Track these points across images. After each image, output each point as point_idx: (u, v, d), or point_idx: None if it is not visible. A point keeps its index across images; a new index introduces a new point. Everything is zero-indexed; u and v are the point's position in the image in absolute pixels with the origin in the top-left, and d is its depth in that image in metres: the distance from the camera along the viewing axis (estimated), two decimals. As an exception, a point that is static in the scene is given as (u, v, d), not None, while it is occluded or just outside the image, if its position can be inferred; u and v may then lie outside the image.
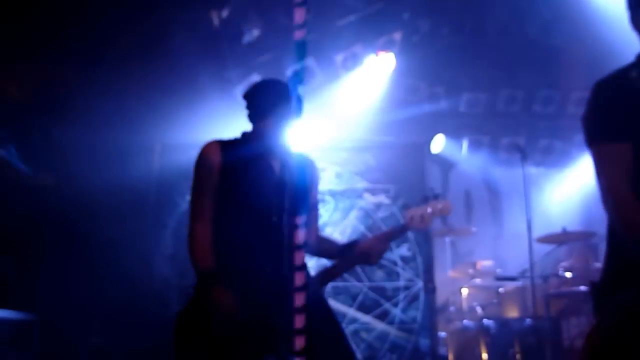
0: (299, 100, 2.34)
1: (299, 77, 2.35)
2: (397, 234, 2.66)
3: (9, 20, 4.28)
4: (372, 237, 2.58)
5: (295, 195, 1.99)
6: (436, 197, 2.62)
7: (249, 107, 2.55)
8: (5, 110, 4.54)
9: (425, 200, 2.60)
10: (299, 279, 2.03)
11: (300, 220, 2.30)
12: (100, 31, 4.65)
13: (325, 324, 2.33)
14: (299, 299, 2.08)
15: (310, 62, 5.16)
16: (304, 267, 2.27)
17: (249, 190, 2.39)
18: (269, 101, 2.49)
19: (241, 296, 2.24)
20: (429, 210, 2.58)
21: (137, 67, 4.92)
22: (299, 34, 1.69)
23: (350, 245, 2.57)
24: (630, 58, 1.78)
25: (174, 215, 5.00)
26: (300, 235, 2.24)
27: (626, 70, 1.77)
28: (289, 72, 5.21)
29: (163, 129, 5.11)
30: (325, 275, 2.52)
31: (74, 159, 4.94)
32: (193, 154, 5.27)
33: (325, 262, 3.02)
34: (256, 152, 2.48)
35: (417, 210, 2.58)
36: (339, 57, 5.37)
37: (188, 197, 5.11)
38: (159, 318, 4.74)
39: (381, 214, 5.00)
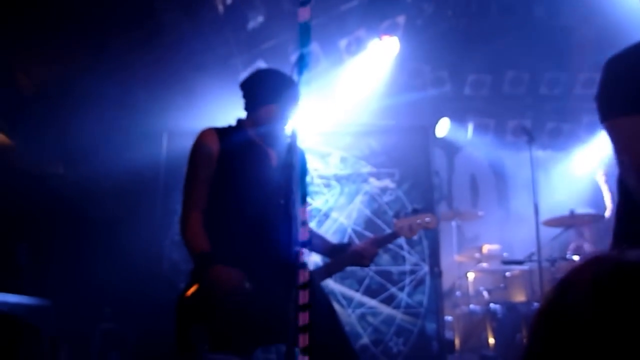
0: (300, 86, 2.37)
1: (304, 62, 2.38)
2: (386, 240, 2.78)
3: (17, 12, 4.32)
4: (363, 242, 2.67)
5: (293, 180, 2.02)
6: (426, 210, 2.84)
7: (244, 95, 2.57)
8: (16, 100, 4.59)
9: (415, 212, 2.78)
10: (301, 259, 2.06)
11: (300, 205, 2.33)
12: (107, 21, 4.68)
13: (323, 316, 2.34)
14: (303, 279, 2.11)
15: (314, 47, 5.15)
16: (308, 244, 2.31)
17: (247, 178, 2.41)
18: (264, 90, 2.51)
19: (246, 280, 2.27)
20: (418, 221, 2.75)
21: (144, 56, 4.96)
22: (303, 16, 1.71)
23: (342, 247, 2.65)
24: (639, 37, 1.76)
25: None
26: (304, 214, 2.27)
27: (638, 46, 1.74)
28: (293, 58, 5.22)
29: (169, 116, 5.15)
30: (320, 273, 2.58)
31: (83, 148, 5.00)
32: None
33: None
34: (252, 139, 2.50)
35: (406, 220, 2.75)
36: (342, 42, 5.36)
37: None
38: (168, 302, 4.81)
39: (386, 198, 5.01)
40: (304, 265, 2.22)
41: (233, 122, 2.59)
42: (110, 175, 5.02)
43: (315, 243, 2.66)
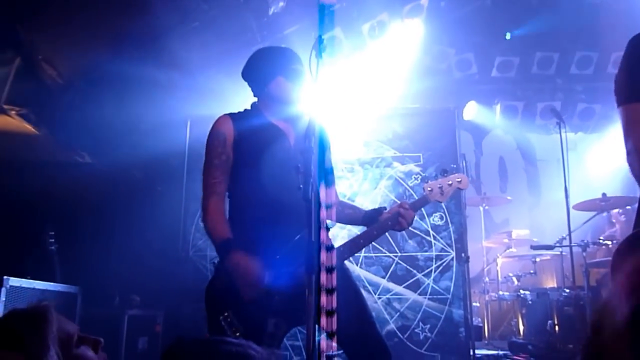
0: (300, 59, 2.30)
1: (323, 45, 2.33)
2: (417, 205, 2.63)
3: (40, 3, 4.38)
4: (397, 205, 2.51)
5: (311, 160, 1.98)
6: (455, 170, 2.68)
7: (250, 81, 2.57)
8: (41, 90, 4.66)
9: (444, 173, 2.64)
10: (327, 240, 2.03)
11: (320, 187, 2.29)
12: (129, 9, 4.70)
13: (347, 296, 2.28)
14: (328, 261, 2.08)
15: (336, 31, 5.08)
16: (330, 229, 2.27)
17: (263, 160, 2.38)
18: (266, 66, 2.49)
19: (266, 264, 2.24)
20: (448, 182, 2.62)
21: (167, 44, 4.96)
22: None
23: (377, 213, 2.52)
24: None
25: (207, 189, 5.07)
26: (325, 197, 2.24)
27: None
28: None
29: (193, 103, 5.17)
30: (352, 246, 2.47)
31: (108, 136, 5.05)
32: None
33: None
34: (268, 120, 2.48)
35: (435, 183, 2.62)
36: (365, 26, 5.28)
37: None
38: (195, 288, 4.86)
39: (411, 182, 4.93)
40: (328, 249, 2.20)
41: (248, 107, 2.58)
42: (135, 162, 5.08)
43: (348, 214, 2.60)
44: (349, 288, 2.39)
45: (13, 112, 4.35)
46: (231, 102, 5.11)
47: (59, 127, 4.81)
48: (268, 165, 2.38)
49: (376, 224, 2.48)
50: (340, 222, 2.74)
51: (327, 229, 2.19)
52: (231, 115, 2.51)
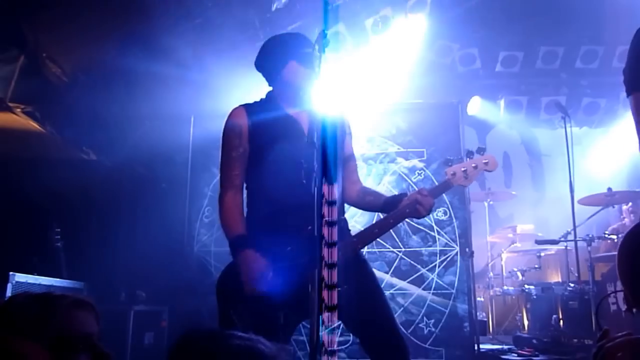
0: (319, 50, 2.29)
1: (326, 40, 2.32)
2: (438, 191, 2.46)
3: (50, 3, 4.40)
4: (415, 191, 2.36)
5: (326, 148, 1.95)
6: (481, 151, 2.45)
7: (263, 70, 2.54)
8: (46, 88, 4.69)
9: (470, 155, 2.45)
10: (331, 236, 2.02)
11: (334, 175, 2.27)
12: (133, 7, 4.71)
13: (364, 288, 2.29)
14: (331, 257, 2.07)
15: (340, 27, 5.07)
16: (336, 223, 2.25)
17: (275, 151, 2.33)
18: (278, 53, 2.46)
19: (276, 259, 2.24)
20: (473, 165, 2.42)
21: (170, 40, 4.97)
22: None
23: (396, 199, 2.41)
24: None
25: (212, 185, 5.09)
26: (333, 192, 2.22)
27: None
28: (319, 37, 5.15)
29: (196, 100, 5.18)
30: (365, 236, 2.38)
31: (113, 134, 5.08)
32: (223, 123, 5.31)
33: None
34: (282, 109, 2.43)
35: (459, 166, 2.42)
36: (368, 21, 5.26)
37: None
38: (200, 283, 4.89)
39: (415, 178, 4.93)
40: (330, 245, 2.19)
41: (263, 96, 2.54)
42: (140, 159, 5.10)
43: (369, 201, 2.50)
44: (366, 280, 2.34)
45: (18, 109, 4.38)
46: (234, 97, 5.13)
47: (63, 124, 4.84)
48: (281, 158, 2.31)
49: (393, 212, 2.37)
50: (361, 209, 2.62)
51: (330, 224, 2.18)
52: (245, 106, 2.47)
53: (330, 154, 2.36)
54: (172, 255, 4.93)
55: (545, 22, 5.48)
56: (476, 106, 6.11)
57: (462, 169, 2.41)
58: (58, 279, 3.97)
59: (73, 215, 4.91)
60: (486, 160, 2.42)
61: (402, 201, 2.35)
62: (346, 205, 2.61)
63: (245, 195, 2.47)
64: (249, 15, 5.01)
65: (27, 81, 4.39)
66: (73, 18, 4.50)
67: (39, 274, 3.77)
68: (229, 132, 2.42)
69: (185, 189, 5.09)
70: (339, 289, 2.22)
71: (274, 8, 5.08)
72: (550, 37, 5.67)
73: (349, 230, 2.45)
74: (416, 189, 4.85)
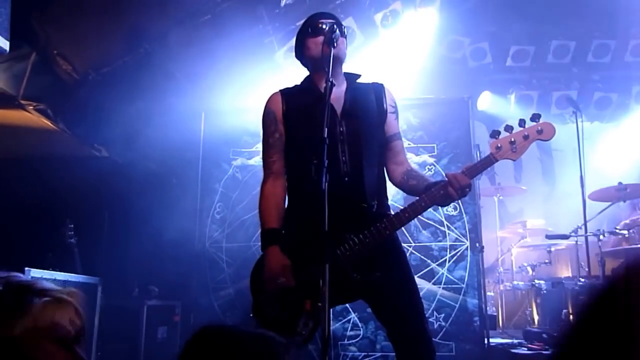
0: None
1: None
2: (480, 167, 2.24)
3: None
4: (454, 173, 2.18)
5: (324, 150, 1.94)
6: (536, 118, 2.17)
7: (300, 62, 2.54)
8: (59, 86, 4.72)
9: (522, 123, 2.19)
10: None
11: (367, 163, 2.23)
12: (145, 3, 4.73)
13: (393, 275, 2.27)
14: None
15: (349, 21, 5.06)
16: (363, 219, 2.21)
17: (308, 136, 2.26)
18: (296, 42, 2.49)
19: (300, 254, 2.24)
20: (525, 134, 2.15)
21: (180, 37, 4.99)
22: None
23: (437, 184, 2.24)
24: None
25: (222, 181, 5.12)
26: (368, 188, 2.17)
27: None
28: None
29: (207, 96, 5.20)
30: (395, 220, 2.24)
31: (125, 131, 5.11)
32: (235, 120, 5.31)
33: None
34: (317, 92, 2.39)
35: (507, 137, 2.16)
36: (378, 16, 5.25)
37: (233, 162, 5.24)
38: (212, 278, 4.93)
39: (425, 173, 4.92)
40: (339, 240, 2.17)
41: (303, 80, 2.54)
42: (151, 155, 5.13)
43: (412, 185, 2.38)
44: (398, 271, 2.30)
45: (30, 107, 4.41)
46: (245, 94, 5.17)
47: (75, 121, 4.88)
48: (310, 142, 2.15)
49: (424, 195, 2.20)
50: (406, 193, 2.52)
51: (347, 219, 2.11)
52: (282, 90, 2.49)
53: (361, 133, 2.28)
54: (184, 251, 4.97)
55: (557, 16, 5.44)
56: (486, 101, 6.09)
57: (510, 140, 2.14)
58: (73, 274, 4.02)
59: (86, 211, 4.95)
60: (540, 128, 2.15)
61: (437, 185, 2.21)
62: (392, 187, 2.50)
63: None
64: (259, 11, 5.02)
65: (38, 78, 4.41)
66: (83, 14, 4.52)
67: (54, 270, 3.81)
68: (265, 118, 2.45)
69: (196, 185, 5.12)
70: (376, 275, 2.19)
71: (283, 3, 5.08)
72: (561, 31, 5.63)
73: (385, 214, 2.33)
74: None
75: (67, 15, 4.57)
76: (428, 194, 2.20)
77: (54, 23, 4.56)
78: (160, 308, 4.62)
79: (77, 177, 4.81)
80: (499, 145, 2.16)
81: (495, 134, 2.18)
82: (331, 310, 1.95)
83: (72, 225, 4.44)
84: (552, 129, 2.15)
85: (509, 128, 2.17)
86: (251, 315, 2.35)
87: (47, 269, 3.76)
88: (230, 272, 4.91)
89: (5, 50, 2.81)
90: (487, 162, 2.20)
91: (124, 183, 5.16)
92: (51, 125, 4.62)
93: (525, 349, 4.61)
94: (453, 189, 2.16)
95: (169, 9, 4.85)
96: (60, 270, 3.89)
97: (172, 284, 4.92)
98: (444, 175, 2.24)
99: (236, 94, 5.17)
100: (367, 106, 2.44)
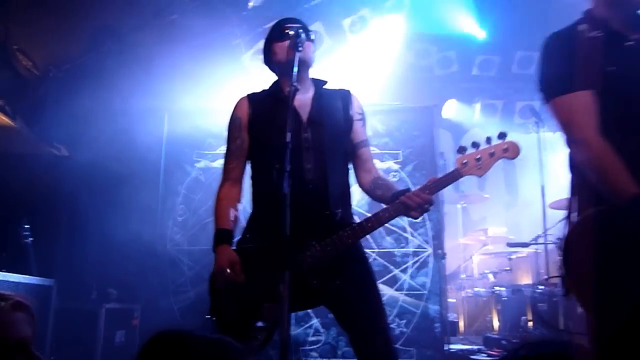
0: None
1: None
2: (445, 182, 2.22)
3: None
4: (420, 187, 2.19)
5: (286, 155, 1.93)
6: (502, 136, 2.18)
7: (268, 67, 2.51)
8: (17, 81, 4.60)
9: (489, 141, 2.19)
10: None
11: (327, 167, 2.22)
12: (109, 3, 4.65)
13: (355, 283, 2.26)
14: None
15: (317, 26, 5.07)
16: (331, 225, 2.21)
17: (271, 141, 2.25)
18: (264, 49, 2.47)
19: (262, 259, 2.21)
20: (491, 151, 2.18)
21: (145, 37, 4.92)
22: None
23: (401, 194, 2.22)
24: None
25: (185, 183, 5.05)
26: (332, 196, 2.17)
27: (575, 25, 1.89)
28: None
29: (171, 97, 5.13)
30: (357, 230, 2.23)
31: (85, 130, 5.00)
32: (199, 122, 5.25)
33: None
34: (282, 97, 2.36)
35: (473, 153, 2.18)
36: (346, 21, 5.27)
37: (197, 164, 5.17)
38: (172, 281, 4.85)
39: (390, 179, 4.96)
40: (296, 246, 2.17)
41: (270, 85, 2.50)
42: (112, 156, 5.03)
43: (378, 195, 2.36)
44: (360, 278, 2.28)
45: (-12, 103, 4.28)
46: (210, 95, 5.12)
47: (35, 119, 4.75)
48: (272, 148, 2.17)
49: (387, 207, 2.21)
50: (375, 200, 2.48)
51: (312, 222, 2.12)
52: (249, 95, 2.46)
53: (326, 140, 2.26)
54: (144, 253, 4.88)
55: (521, 27, 5.55)
56: (452, 109, 6.17)
57: (476, 157, 2.17)
58: (27, 276, 3.90)
59: (43, 211, 4.82)
60: (506, 147, 2.16)
61: (400, 197, 2.20)
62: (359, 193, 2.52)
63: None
64: (226, 12, 4.98)
65: (-3, 74, 4.30)
66: (46, 10, 4.42)
67: (7, 271, 3.69)
68: (231, 124, 2.42)
69: (157, 187, 5.04)
70: (336, 283, 2.18)
71: (250, 5, 5.05)
72: (526, 42, 5.75)
73: (348, 222, 2.33)
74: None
75: (28, 11, 4.46)
76: (393, 206, 2.21)
77: (14, 18, 4.44)
78: (118, 311, 4.52)
79: (35, 175, 4.69)
80: (465, 161, 2.19)
81: (462, 150, 2.21)
82: (293, 315, 1.94)
83: (28, 225, 4.31)
84: (518, 148, 2.19)
85: (475, 145, 2.20)
86: (207, 317, 2.32)
87: (0, 270, 3.64)
88: (191, 275, 4.85)
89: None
90: (453, 177, 2.22)
91: (84, 183, 5.04)
92: (9, 122, 4.49)
93: (485, 355, 4.66)
94: (411, 208, 2.18)
95: (135, 8, 4.78)
96: (14, 272, 3.77)
97: (132, 286, 4.82)
98: (403, 197, 2.20)
99: (201, 95, 5.11)
100: (334, 113, 2.42)
